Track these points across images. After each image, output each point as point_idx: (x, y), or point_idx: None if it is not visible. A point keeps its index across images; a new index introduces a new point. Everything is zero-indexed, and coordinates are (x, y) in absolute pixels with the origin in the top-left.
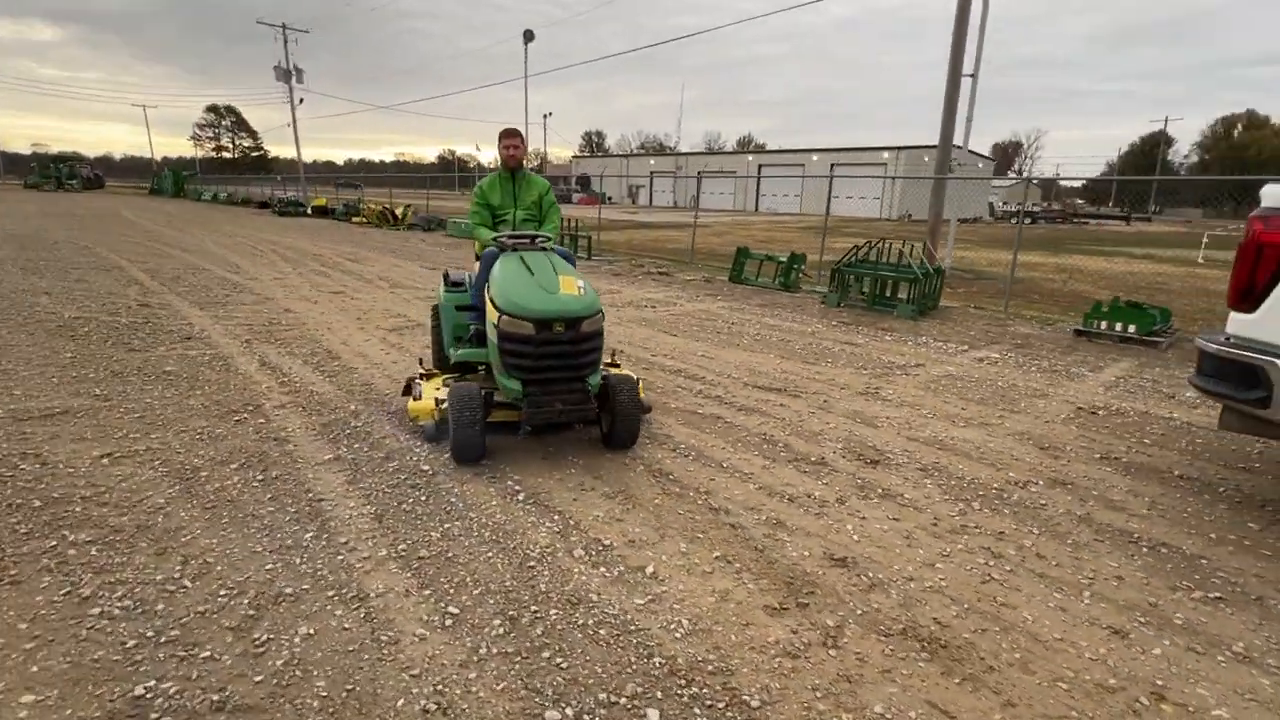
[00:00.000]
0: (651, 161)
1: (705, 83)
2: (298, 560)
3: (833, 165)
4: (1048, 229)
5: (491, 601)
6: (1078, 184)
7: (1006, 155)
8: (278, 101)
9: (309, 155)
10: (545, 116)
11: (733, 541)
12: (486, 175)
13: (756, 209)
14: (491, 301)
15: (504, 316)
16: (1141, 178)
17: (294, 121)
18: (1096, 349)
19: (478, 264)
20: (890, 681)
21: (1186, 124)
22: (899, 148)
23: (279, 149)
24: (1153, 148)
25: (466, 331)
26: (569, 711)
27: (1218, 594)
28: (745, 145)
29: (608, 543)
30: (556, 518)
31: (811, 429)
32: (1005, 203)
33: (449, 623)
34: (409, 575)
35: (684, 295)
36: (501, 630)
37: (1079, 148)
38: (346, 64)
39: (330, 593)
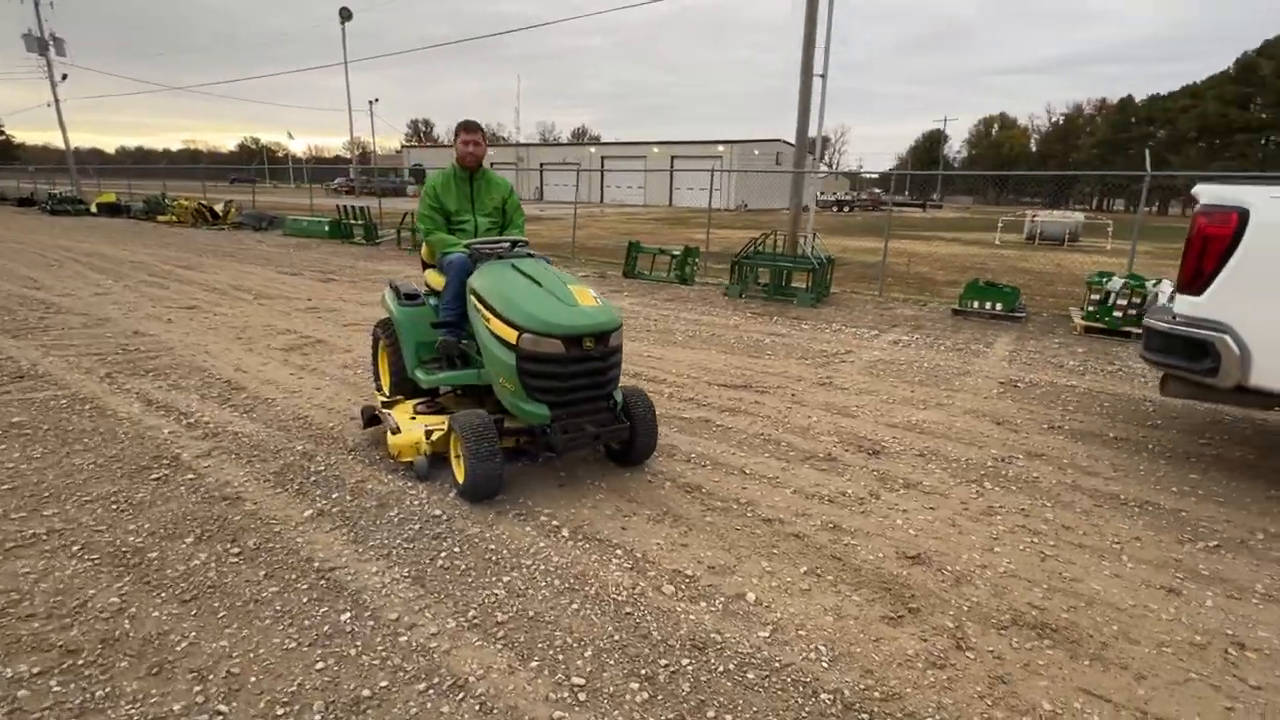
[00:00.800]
0: (490, 152)
1: (533, 72)
2: (353, 651)
3: (673, 158)
4: (864, 216)
5: (613, 662)
6: (875, 175)
7: (817, 149)
8: (31, 77)
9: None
10: (371, 103)
11: (807, 553)
12: (435, 173)
13: (602, 201)
14: (497, 317)
15: (525, 335)
16: (935, 172)
17: (56, 101)
18: (975, 326)
19: (430, 274)
20: (1036, 675)
21: (960, 123)
22: (731, 141)
23: (29, 134)
24: (933, 144)
25: (432, 352)
26: None
27: (1215, 542)
28: (580, 137)
29: (690, 573)
30: (619, 552)
31: (799, 424)
32: (822, 193)
33: (582, 697)
34: (500, 647)
35: None
36: (646, 694)
37: (877, 143)
38: (125, 36)
39: (420, 685)
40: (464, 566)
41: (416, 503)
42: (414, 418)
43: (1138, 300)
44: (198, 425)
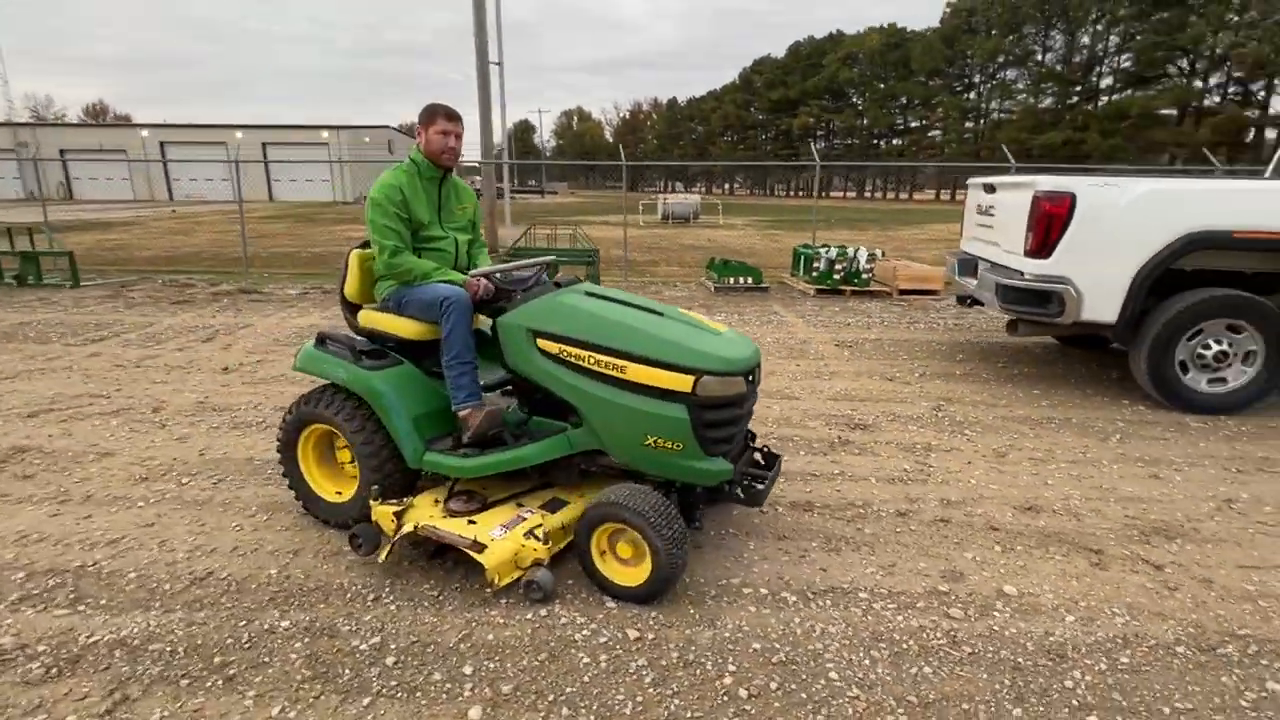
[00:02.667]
0: None
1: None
2: None
3: (265, 145)
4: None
5: (1033, 700)
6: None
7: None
8: None
9: None
10: None
11: (965, 534)
12: (392, 172)
13: (171, 197)
14: (644, 363)
15: (706, 378)
16: (575, 162)
17: None
18: (741, 299)
19: (377, 316)
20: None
21: (549, 115)
22: (338, 127)
23: None
24: (525, 132)
25: (441, 427)
26: None
27: (1117, 435)
28: (98, 114)
29: (938, 588)
30: (861, 596)
31: (789, 417)
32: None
33: None
34: None
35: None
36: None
37: (472, 131)
38: None
39: None
40: (760, 688)
41: (597, 631)
42: (453, 515)
43: (842, 265)
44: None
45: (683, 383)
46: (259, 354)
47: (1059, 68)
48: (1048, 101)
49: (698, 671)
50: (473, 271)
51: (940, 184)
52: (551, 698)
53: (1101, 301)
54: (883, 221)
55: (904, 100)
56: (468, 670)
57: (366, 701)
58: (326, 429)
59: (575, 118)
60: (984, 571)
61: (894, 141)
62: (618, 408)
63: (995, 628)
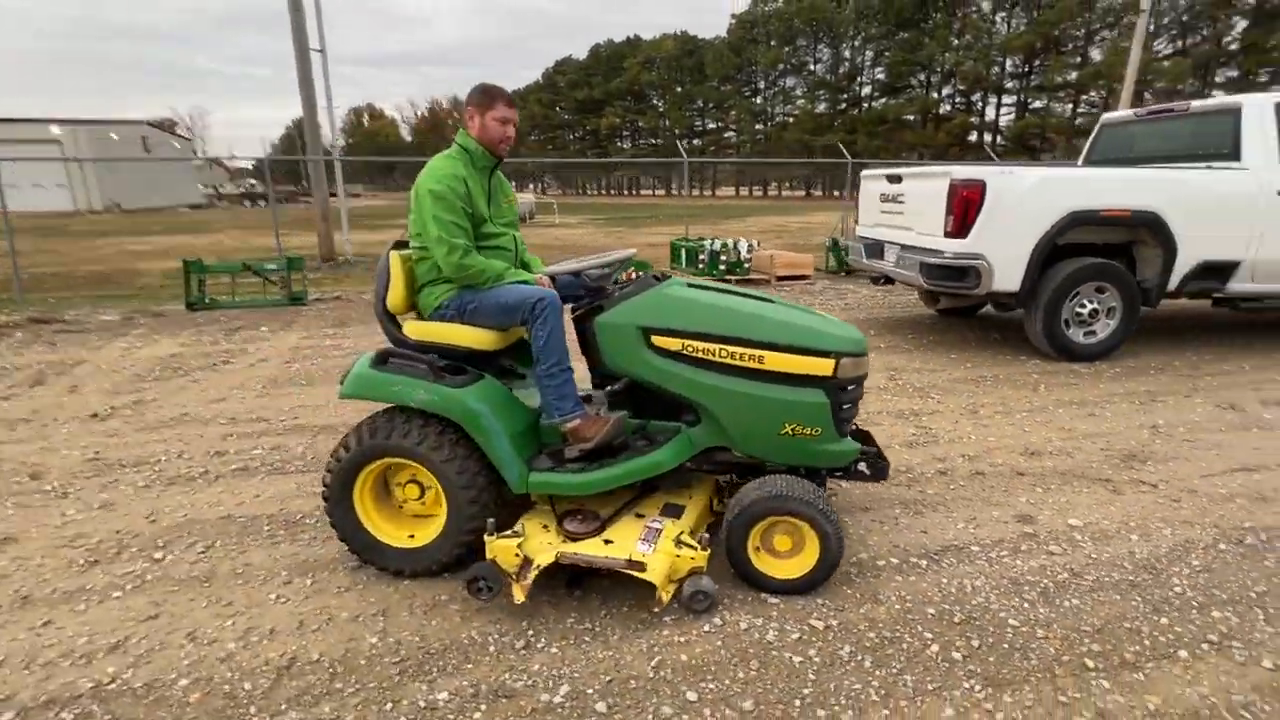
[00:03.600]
0: None
1: None
2: None
3: None
4: (297, 210)
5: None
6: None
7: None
8: None
9: None
10: None
11: (1017, 479)
12: (441, 158)
13: None
14: (786, 351)
15: (844, 360)
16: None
17: None
18: None
19: (439, 327)
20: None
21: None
22: (74, 121)
23: None
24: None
25: (533, 445)
26: None
27: (1072, 381)
28: None
29: (1031, 531)
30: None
31: None
32: (219, 185)
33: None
34: None
35: (220, 347)
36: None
37: (243, 127)
38: None
39: None
40: (967, 648)
41: (777, 633)
42: (575, 537)
43: (726, 257)
44: None
45: (824, 367)
46: (128, 394)
47: (829, 77)
48: (822, 107)
49: (904, 646)
50: (552, 270)
51: (739, 181)
52: (797, 703)
53: (1008, 273)
54: (705, 216)
55: (700, 103)
56: (692, 697)
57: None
58: (388, 464)
59: (366, 115)
60: (1044, 511)
61: (694, 141)
62: (754, 399)
63: (1092, 556)
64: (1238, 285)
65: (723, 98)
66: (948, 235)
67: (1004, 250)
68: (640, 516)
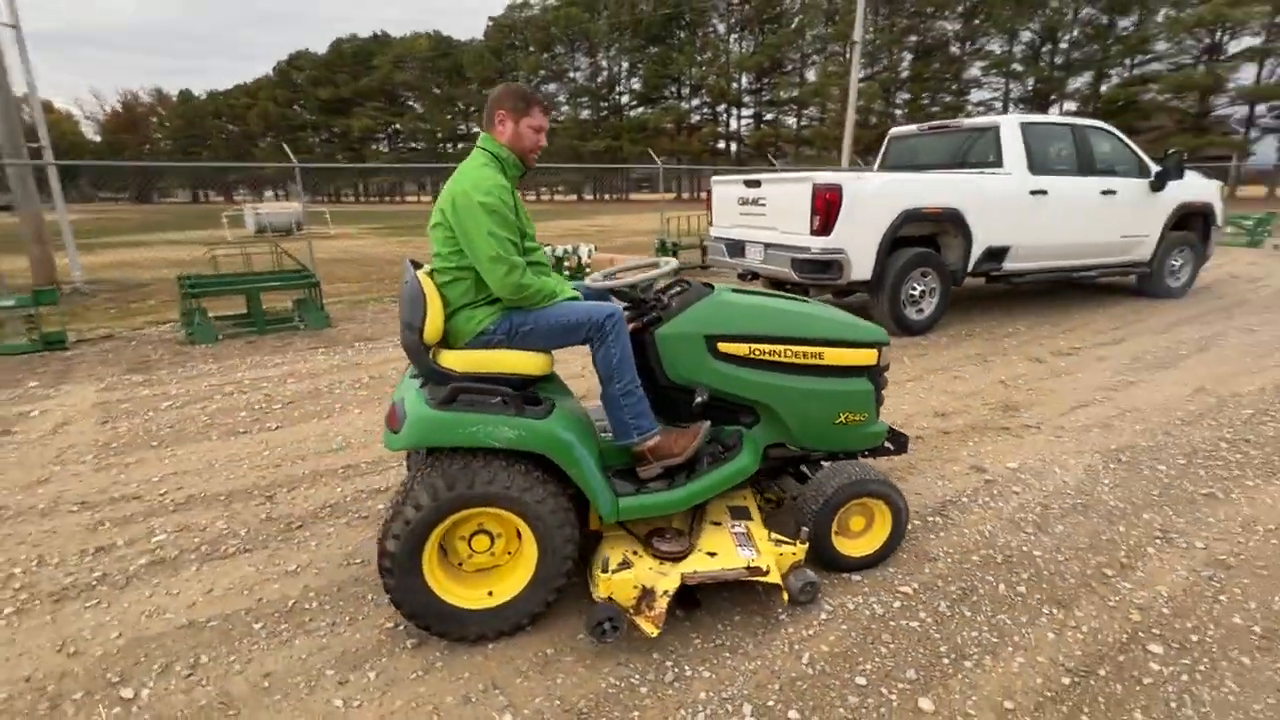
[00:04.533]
0: None
1: None
2: None
3: None
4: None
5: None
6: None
7: None
8: None
9: None
10: None
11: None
12: (480, 168)
13: None
14: (840, 346)
15: (883, 348)
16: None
17: None
18: None
19: (484, 355)
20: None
21: None
22: None
23: None
24: None
25: (612, 456)
26: None
27: (1017, 341)
28: None
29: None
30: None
31: None
32: None
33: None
34: None
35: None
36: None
37: None
38: None
39: None
40: (1063, 588)
41: (880, 609)
42: (667, 557)
43: (570, 262)
44: None
45: (870, 357)
46: None
47: (590, 85)
48: (586, 113)
49: (982, 591)
50: (604, 284)
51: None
52: (945, 661)
53: (863, 264)
54: None
55: (462, 105)
56: (861, 681)
57: None
58: (459, 519)
59: (26, 106)
60: (986, 460)
61: (459, 145)
62: (814, 394)
63: (1043, 490)
64: (1009, 264)
65: (486, 101)
66: (813, 233)
67: (859, 244)
68: (717, 524)
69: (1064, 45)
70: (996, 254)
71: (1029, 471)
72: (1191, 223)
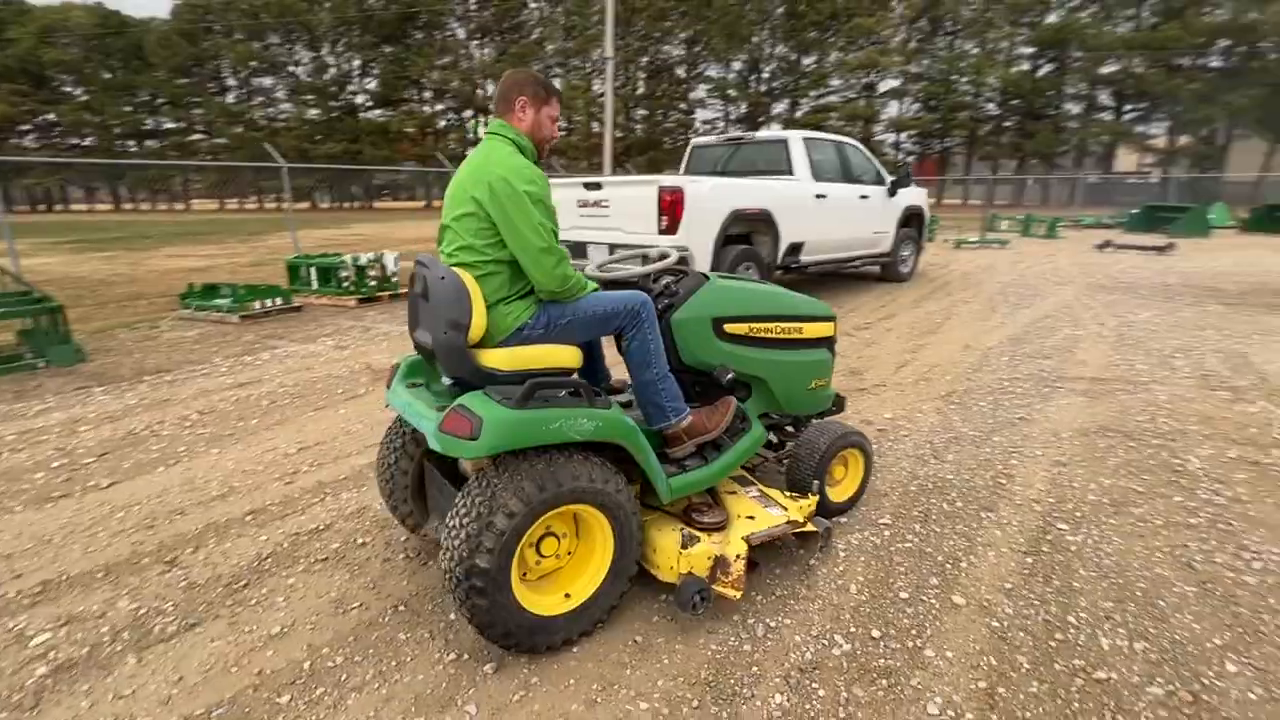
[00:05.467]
0: None
1: None
2: None
3: None
4: None
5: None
6: None
7: None
8: None
9: None
10: None
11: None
12: (514, 155)
13: None
14: (810, 320)
15: (835, 321)
16: None
17: None
18: (293, 323)
19: (527, 351)
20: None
21: None
22: None
23: None
24: None
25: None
26: None
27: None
28: None
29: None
30: None
31: None
32: None
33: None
34: None
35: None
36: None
37: None
38: None
39: None
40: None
41: (895, 539)
42: (709, 528)
43: (375, 272)
44: None
45: (830, 329)
46: None
47: (316, 82)
48: (315, 113)
49: (948, 510)
50: (623, 273)
51: (224, 193)
52: (964, 565)
53: (704, 260)
54: (209, 233)
55: (148, 97)
56: (905, 595)
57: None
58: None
59: None
60: (932, 391)
61: (147, 143)
62: (796, 365)
63: (995, 410)
64: (804, 257)
65: (180, 92)
66: (661, 232)
67: (700, 242)
68: (732, 494)
69: (766, 75)
70: (795, 248)
71: (903, 419)
72: (913, 221)
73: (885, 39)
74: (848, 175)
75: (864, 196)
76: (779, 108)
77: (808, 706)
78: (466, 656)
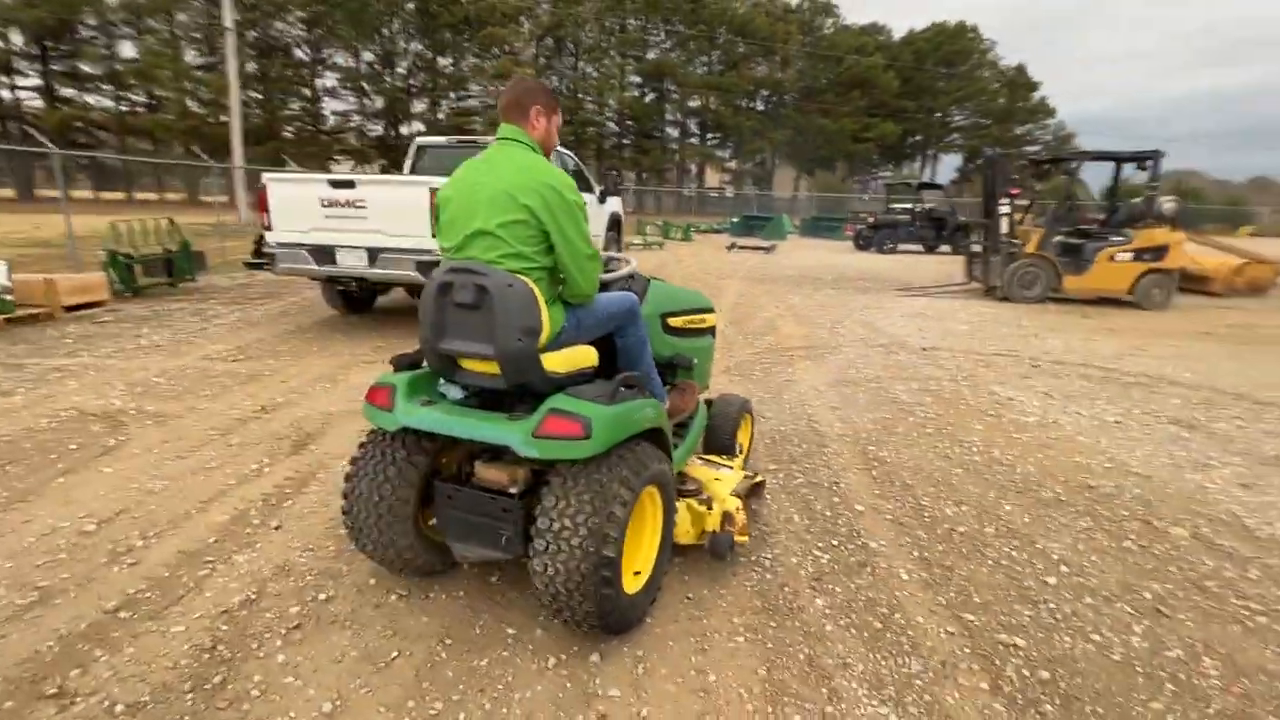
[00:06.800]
0: None
1: None
2: None
3: None
4: None
5: None
6: None
7: None
8: None
9: None
10: None
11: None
12: (542, 160)
13: None
14: (704, 312)
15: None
16: None
17: None
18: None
19: (563, 351)
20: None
21: None
22: None
23: None
24: None
25: None
26: None
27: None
28: None
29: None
30: None
31: None
32: None
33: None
34: None
35: None
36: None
37: None
38: None
39: None
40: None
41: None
42: (688, 494)
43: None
44: None
45: (715, 318)
46: None
47: None
48: None
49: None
50: (607, 276)
51: None
52: (926, 500)
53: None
54: None
55: None
56: (860, 508)
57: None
58: None
59: None
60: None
61: None
62: (708, 348)
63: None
64: None
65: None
66: (434, 236)
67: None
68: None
69: (402, 71)
70: None
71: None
72: (616, 226)
73: (518, 50)
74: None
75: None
76: (419, 106)
77: (837, 601)
78: (565, 657)
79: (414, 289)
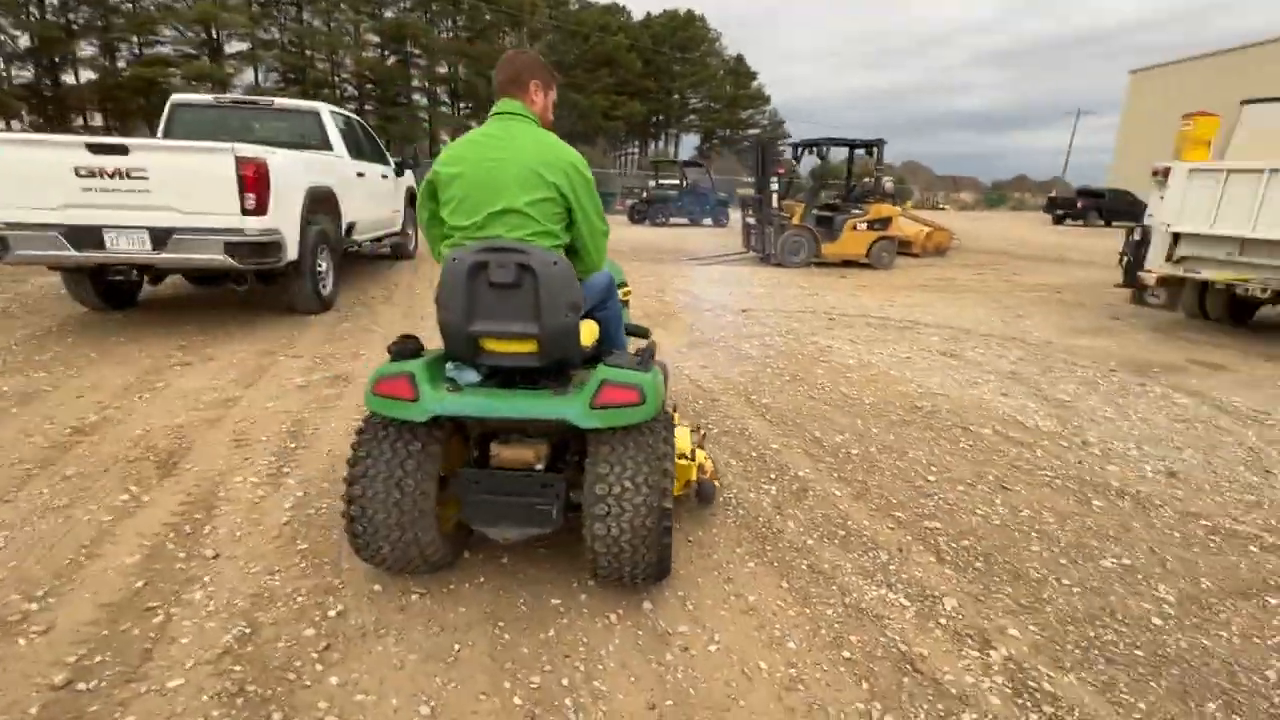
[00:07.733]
0: None
1: None
2: None
3: None
4: None
5: None
6: None
7: None
8: None
9: None
10: None
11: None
12: (552, 137)
13: None
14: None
15: None
16: None
17: None
18: None
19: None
20: None
21: None
22: None
23: None
24: None
25: None
26: None
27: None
28: None
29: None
30: None
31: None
32: None
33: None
34: None
35: None
36: None
37: None
38: None
39: None
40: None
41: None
42: None
43: None
44: None
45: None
46: None
47: None
48: None
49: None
50: None
51: None
52: (901, 443)
53: (293, 244)
54: None
55: None
56: (816, 433)
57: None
58: None
59: None
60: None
61: None
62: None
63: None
64: (356, 237)
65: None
66: (247, 213)
67: (289, 224)
68: None
69: (57, 4)
70: (350, 229)
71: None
72: (413, 201)
73: None
74: (368, 154)
75: (385, 176)
76: (90, 50)
77: (802, 521)
78: (621, 612)
79: (207, 275)
